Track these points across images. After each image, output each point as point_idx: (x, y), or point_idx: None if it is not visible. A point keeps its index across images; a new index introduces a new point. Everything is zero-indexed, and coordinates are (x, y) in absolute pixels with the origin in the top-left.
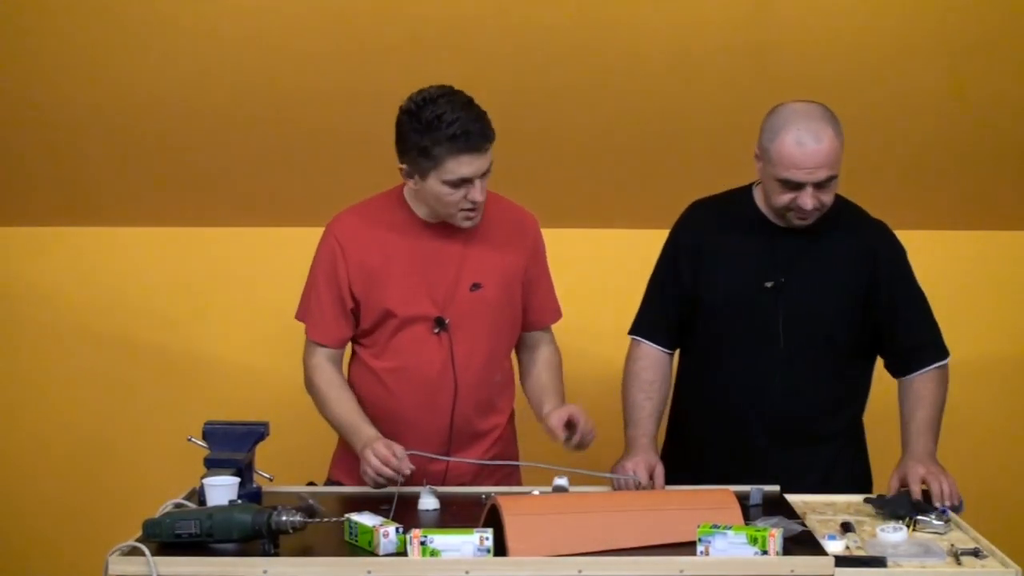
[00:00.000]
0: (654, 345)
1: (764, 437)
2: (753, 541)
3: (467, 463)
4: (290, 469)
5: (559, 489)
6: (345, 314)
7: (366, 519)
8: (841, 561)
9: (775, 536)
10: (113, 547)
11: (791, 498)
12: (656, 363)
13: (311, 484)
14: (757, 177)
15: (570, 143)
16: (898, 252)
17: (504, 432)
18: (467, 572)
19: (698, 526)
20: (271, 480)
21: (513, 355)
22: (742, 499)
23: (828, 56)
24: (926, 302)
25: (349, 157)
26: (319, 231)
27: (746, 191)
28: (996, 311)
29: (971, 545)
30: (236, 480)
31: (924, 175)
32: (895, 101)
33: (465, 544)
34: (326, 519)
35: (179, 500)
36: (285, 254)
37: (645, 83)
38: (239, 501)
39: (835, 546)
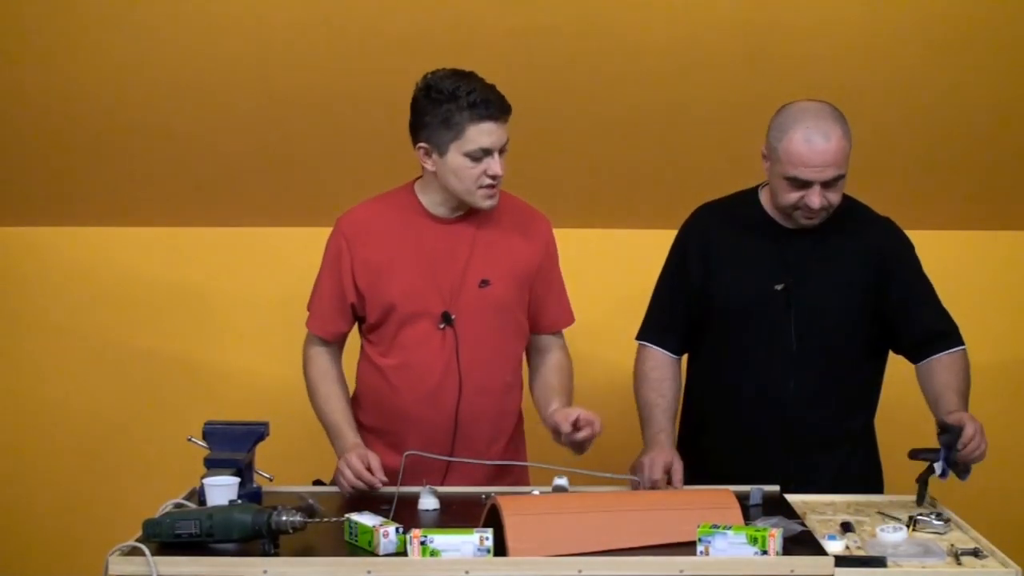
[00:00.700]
0: (662, 350)
1: (780, 441)
2: (753, 541)
3: (467, 463)
4: (290, 469)
5: (559, 489)
6: (343, 309)
7: (366, 519)
8: (841, 561)
9: (775, 536)
10: (113, 547)
11: (791, 498)
12: (665, 365)
13: (317, 482)
14: (761, 177)
15: (571, 143)
16: (906, 246)
17: (513, 435)
18: (467, 572)
19: (698, 526)
20: (271, 480)
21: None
22: (742, 499)
23: (829, 57)
24: (936, 295)
25: (349, 157)
26: (320, 231)
27: (751, 193)
28: (997, 311)
29: (971, 545)
30: (236, 480)
31: (925, 176)
32: (896, 101)
33: (465, 544)
34: (326, 519)
35: (179, 500)
36: (285, 254)
37: (647, 84)
38: (239, 501)
39: (835, 546)
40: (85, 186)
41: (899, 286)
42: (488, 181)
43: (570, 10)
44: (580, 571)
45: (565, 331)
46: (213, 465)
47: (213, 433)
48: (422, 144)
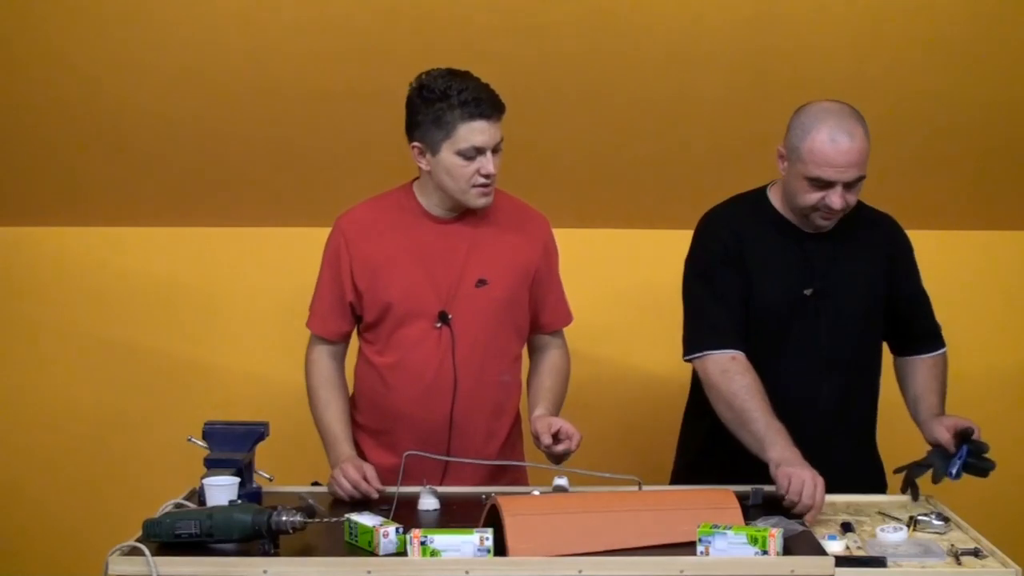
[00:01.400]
0: (723, 351)
1: (815, 444)
2: (753, 541)
3: (468, 465)
4: (290, 469)
5: (559, 489)
6: (343, 307)
7: (366, 519)
8: (841, 561)
9: (775, 536)
10: (113, 547)
11: None
12: (736, 363)
13: (316, 484)
14: (761, 178)
15: (570, 143)
16: (908, 244)
17: (510, 435)
18: (467, 572)
19: (698, 526)
20: (271, 480)
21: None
22: (742, 499)
23: (829, 58)
24: (927, 294)
25: (349, 157)
26: (320, 231)
27: (760, 194)
28: (998, 311)
29: (971, 545)
30: (236, 480)
31: (925, 175)
32: (896, 101)
33: (465, 544)
34: (326, 519)
35: (179, 500)
36: (286, 254)
37: (646, 84)
38: (239, 501)
39: (835, 546)
40: (85, 186)
41: (903, 284)
42: (481, 180)
43: (570, 10)
44: (580, 571)
45: (565, 330)
46: (213, 465)
47: (213, 433)
48: (416, 143)
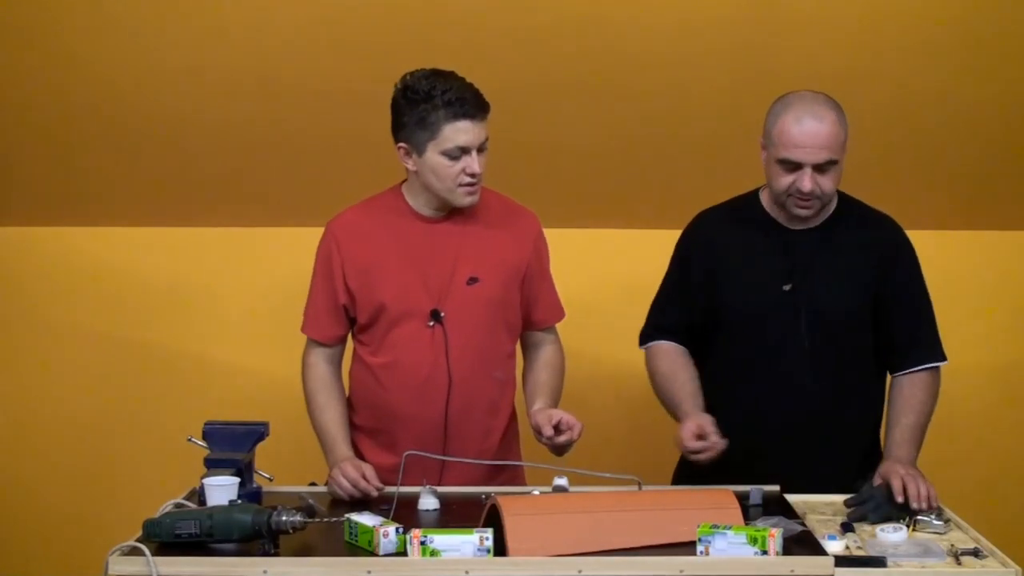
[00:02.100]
0: (668, 341)
1: (794, 440)
2: (753, 541)
3: (466, 463)
4: (290, 469)
5: (559, 489)
6: (336, 310)
7: (366, 519)
8: (841, 561)
9: (775, 536)
10: (113, 547)
11: (791, 498)
12: (675, 353)
13: (312, 484)
14: (758, 180)
15: (570, 143)
16: (905, 247)
17: (506, 432)
18: (467, 572)
19: (698, 526)
20: (271, 480)
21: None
22: (742, 499)
23: (829, 57)
24: (929, 304)
25: (349, 157)
26: (319, 231)
27: (751, 195)
28: (997, 311)
29: (971, 545)
30: (236, 480)
31: (925, 175)
32: (895, 101)
33: (465, 544)
34: (326, 519)
35: (179, 500)
36: (285, 254)
37: (646, 83)
38: (239, 501)
39: (835, 546)
40: (86, 186)
41: (891, 285)
42: (467, 179)
43: (569, 11)
44: (580, 571)
45: (561, 328)
46: (213, 465)
47: (213, 433)
48: (402, 144)
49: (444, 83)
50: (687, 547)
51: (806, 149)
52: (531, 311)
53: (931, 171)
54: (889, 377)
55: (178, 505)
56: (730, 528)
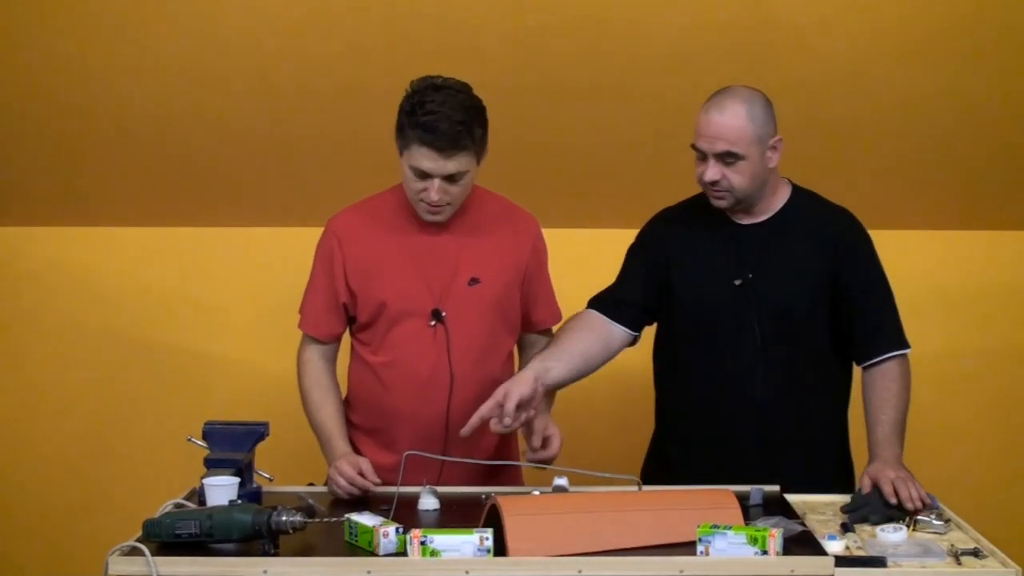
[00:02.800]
0: (601, 314)
1: (750, 435)
2: (753, 541)
3: (465, 463)
4: (290, 469)
5: (559, 489)
6: (336, 308)
7: (366, 519)
8: (841, 561)
9: (775, 536)
10: (113, 547)
11: (791, 498)
12: (595, 323)
13: (311, 485)
14: None
15: (570, 143)
16: (862, 239)
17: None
18: (467, 572)
19: (698, 526)
20: (271, 480)
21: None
22: (742, 499)
23: (828, 58)
24: (889, 292)
25: (349, 157)
26: (319, 231)
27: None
28: (997, 310)
29: (971, 545)
30: (236, 480)
31: (924, 175)
32: (894, 102)
33: (465, 544)
34: (326, 519)
35: (179, 500)
36: (285, 254)
37: (645, 84)
38: (239, 501)
39: (835, 546)
40: (86, 186)
41: (847, 277)
42: (427, 199)
43: (569, 11)
44: (580, 571)
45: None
46: (213, 465)
47: (213, 433)
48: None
49: (432, 104)
50: (687, 547)
51: (705, 138)
52: (529, 312)
53: (931, 172)
54: (859, 372)
55: (178, 505)
56: (730, 528)
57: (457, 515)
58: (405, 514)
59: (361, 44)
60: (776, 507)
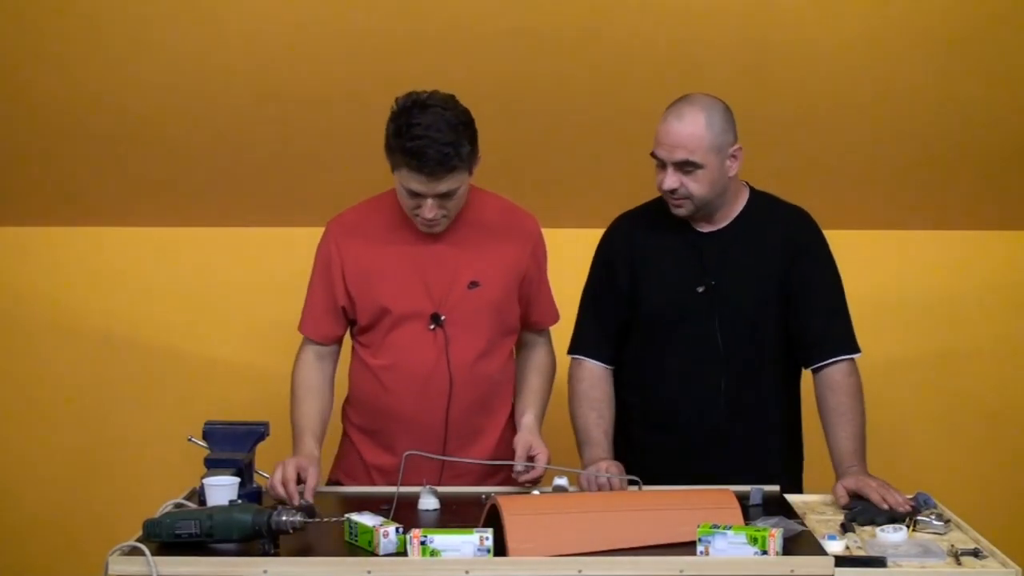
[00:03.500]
0: (597, 362)
1: (710, 441)
2: (753, 541)
3: (465, 463)
4: None
5: (559, 489)
6: (334, 311)
7: (366, 519)
8: (841, 561)
9: (775, 536)
10: (113, 547)
11: (791, 498)
12: (601, 380)
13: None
14: (753, 175)
15: (569, 143)
16: (815, 239)
17: (504, 432)
18: (467, 572)
19: (698, 526)
20: None
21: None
22: (742, 499)
23: (826, 58)
24: (842, 296)
25: (349, 157)
26: (319, 231)
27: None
28: (996, 310)
29: (971, 545)
30: (236, 480)
31: (923, 175)
32: (893, 102)
33: (465, 544)
34: (326, 519)
35: (179, 500)
36: (284, 254)
37: (644, 84)
38: (239, 501)
39: (835, 546)
40: (85, 186)
41: (797, 275)
42: (420, 217)
43: (569, 11)
44: (580, 571)
45: (555, 329)
46: (213, 465)
47: (213, 433)
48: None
49: (419, 127)
50: (687, 547)
51: (664, 147)
52: (527, 313)
53: (930, 172)
54: (809, 375)
55: (178, 505)
56: (730, 528)
57: (457, 515)
58: (405, 514)
59: (361, 44)
60: (776, 507)
